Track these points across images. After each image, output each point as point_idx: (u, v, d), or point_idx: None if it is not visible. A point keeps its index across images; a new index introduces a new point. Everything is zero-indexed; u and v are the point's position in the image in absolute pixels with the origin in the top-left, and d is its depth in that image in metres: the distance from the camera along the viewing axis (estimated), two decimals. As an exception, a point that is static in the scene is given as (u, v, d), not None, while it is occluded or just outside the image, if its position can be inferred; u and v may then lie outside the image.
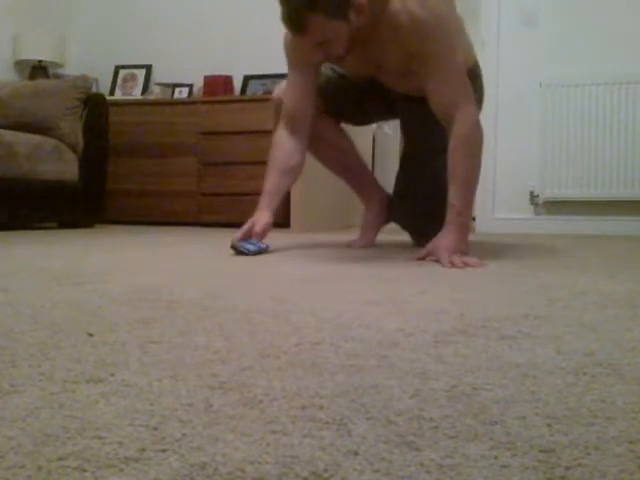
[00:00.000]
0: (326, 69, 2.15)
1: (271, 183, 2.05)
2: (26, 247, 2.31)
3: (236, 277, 1.46)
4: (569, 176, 3.64)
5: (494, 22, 3.77)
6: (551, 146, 3.65)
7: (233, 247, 1.91)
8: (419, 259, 1.79)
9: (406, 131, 2.39)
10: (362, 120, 2.79)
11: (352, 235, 2.61)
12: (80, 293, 1.16)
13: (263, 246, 1.95)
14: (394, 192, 2.41)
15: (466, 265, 1.64)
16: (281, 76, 4.32)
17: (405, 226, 2.40)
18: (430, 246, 1.79)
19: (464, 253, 1.73)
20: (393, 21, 1.79)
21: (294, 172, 2.11)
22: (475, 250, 1.91)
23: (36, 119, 3.66)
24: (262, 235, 1.98)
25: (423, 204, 2.22)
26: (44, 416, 0.51)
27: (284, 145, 2.07)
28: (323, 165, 2.44)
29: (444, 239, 1.76)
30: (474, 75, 2.07)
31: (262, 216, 2.01)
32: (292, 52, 2.01)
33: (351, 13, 1.73)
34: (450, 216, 1.78)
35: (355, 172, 2.45)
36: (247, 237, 1.96)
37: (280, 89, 2.28)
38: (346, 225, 4.01)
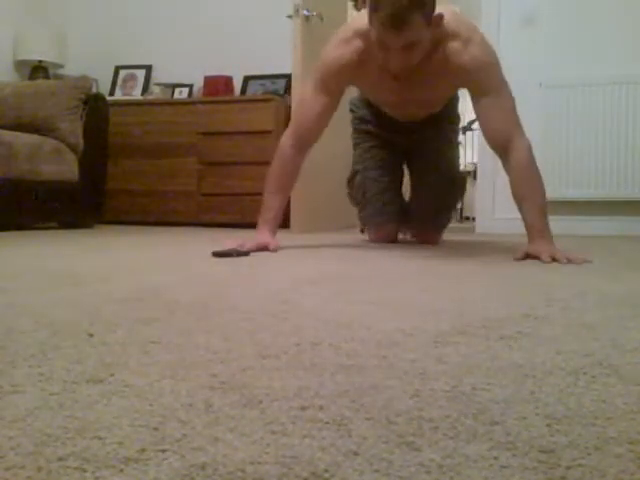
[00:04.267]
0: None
1: (273, 203, 2.11)
2: (26, 247, 2.30)
3: (236, 277, 1.46)
4: (569, 176, 3.64)
5: (494, 22, 3.77)
6: (551, 146, 3.65)
7: (216, 254, 1.87)
8: (517, 259, 1.83)
9: (417, 157, 2.52)
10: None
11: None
12: (80, 293, 1.16)
13: (242, 250, 1.93)
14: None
15: (569, 260, 1.72)
16: (281, 76, 4.33)
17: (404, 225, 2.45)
18: (529, 250, 1.84)
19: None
20: (453, 59, 1.93)
21: (291, 190, 2.24)
22: (475, 250, 1.91)
23: (36, 119, 3.66)
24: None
25: (432, 202, 2.40)
26: (44, 416, 0.51)
27: (289, 165, 2.12)
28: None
29: (541, 245, 1.83)
30: None
31: (270, 238, 2.07)
32: (334, 73, 2.03)
33: (432, 24, 1.85)
34: (532, 235, 1.89)
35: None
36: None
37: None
38: (346, 225, 4.01)
